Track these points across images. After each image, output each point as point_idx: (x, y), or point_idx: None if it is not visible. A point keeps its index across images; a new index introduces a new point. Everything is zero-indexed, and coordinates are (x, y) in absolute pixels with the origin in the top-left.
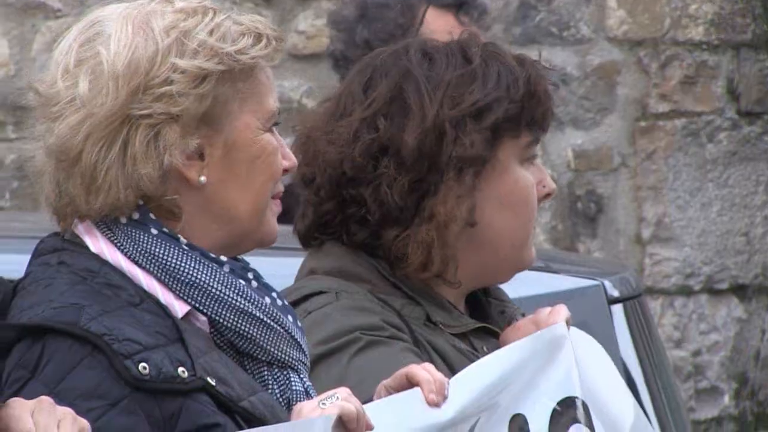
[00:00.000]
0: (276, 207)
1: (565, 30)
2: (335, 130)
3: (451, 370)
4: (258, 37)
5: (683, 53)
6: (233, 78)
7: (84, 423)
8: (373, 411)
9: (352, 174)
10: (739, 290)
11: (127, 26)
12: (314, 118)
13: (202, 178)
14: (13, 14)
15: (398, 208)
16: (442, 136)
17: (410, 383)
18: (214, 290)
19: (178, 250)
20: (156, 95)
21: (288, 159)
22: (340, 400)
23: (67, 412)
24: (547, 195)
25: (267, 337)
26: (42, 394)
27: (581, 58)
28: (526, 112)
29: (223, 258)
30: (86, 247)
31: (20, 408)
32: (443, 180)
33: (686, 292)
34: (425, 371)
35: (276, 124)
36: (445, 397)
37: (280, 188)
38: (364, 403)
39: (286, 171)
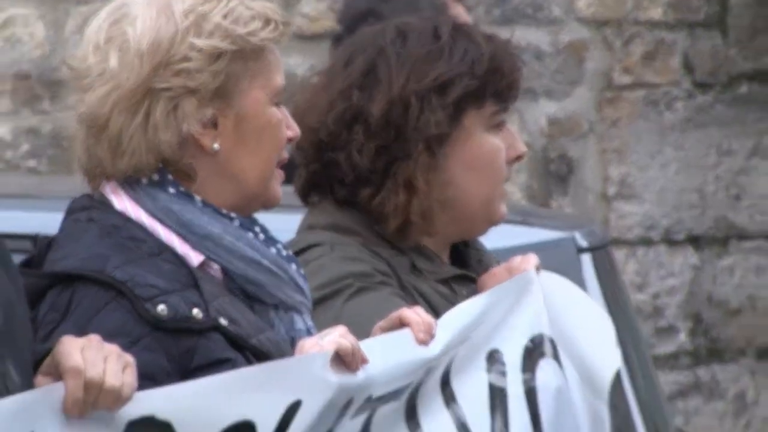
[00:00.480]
0: (280, 174)
1: (539, 11)
2: (317, 101)
3: (434, 312)
4: (267, 21)
5: (644, 32)
6: (244, 57)
7: (129, 358)
8: (367, 348)
9: (328, 140)
10: (694, 241)
11: (152, 9)
12: (306, 90)
13: (216, 146)
14: (48, 0)
15: (368, 170)
16: (407, 108)
17: (402, 324)
18: (225, 242)
19: (193, 207)
20: (175, 71)
21: (291, 129)
22: (338, 337)
23: (113, 348)
24: (518, 157)
25: (273, 282)
26: (72, 335)
27: (554, 36)
28: (490, 85)
29: (233, 215)
30: (112, 206)
31: (70, 345)
32: (411, 148)
33: (647, 242)
34: (416, 314)
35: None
36: (432, 337)
37: (285, 156)
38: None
39: (290, 140)
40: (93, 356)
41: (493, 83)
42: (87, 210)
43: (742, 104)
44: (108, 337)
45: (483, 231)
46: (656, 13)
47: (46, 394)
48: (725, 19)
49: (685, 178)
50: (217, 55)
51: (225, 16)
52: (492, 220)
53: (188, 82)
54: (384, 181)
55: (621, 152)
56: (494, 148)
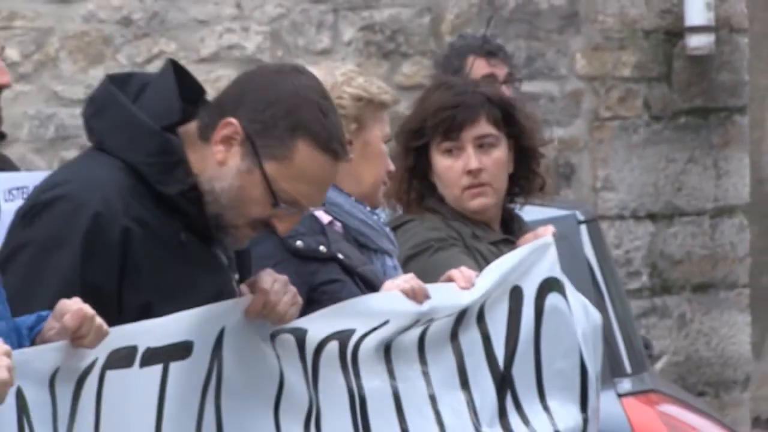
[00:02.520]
0: (383, 188)
1: (552, 71)
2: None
3: (487, 263)
4: (385, 92)
5: (618, 84)
6: (372, 107)
7: (300, 300)
8: (431, 289)
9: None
10: (651, 217)
11: (321, 71)
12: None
13: (350, 155)
14: (249, 66)
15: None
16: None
17: (451, 279)
18: (346, 208)
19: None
20: (335, 103)
21: (389, 164)
22: (402, 282)
23: (293, 289)
24: (470, 171)
25: (374, 235)
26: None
27: (561, 87)
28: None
29: (351, 196)
30: None
31: (267, 274)
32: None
33: (621, 218)
34: (459, 272)
35: (387, 142)
36: (472, 284)
37: (387, 179)
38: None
39: (389, 171)
40: (278, 287)
41: (432, 123)
42: None
43: (682, 131)
44: (262, 259)
45: (471, 216)
46: (626, 72)
47: (238, 302)
48: (670, 76)
49: (645, 177)
50: (358, 98)
51: (365, 81)
52: (469, 210)
53: (341, 110)
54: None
55: (604, 160)
56: (444, 167)
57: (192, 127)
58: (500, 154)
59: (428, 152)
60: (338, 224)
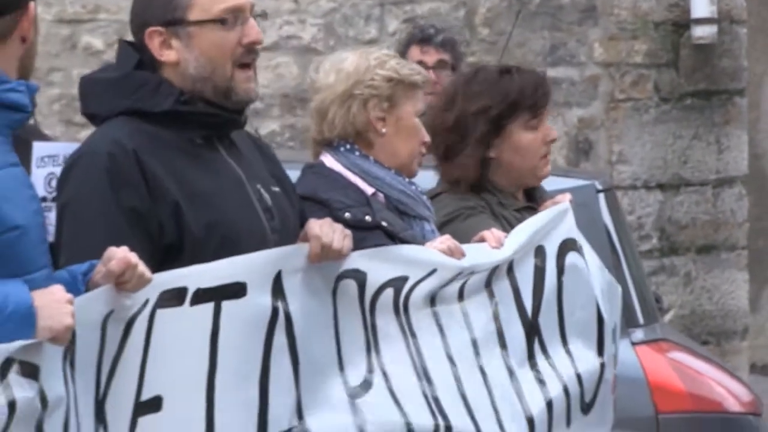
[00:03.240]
0: (419, 157)
1: (573, 58)
2: (437, 117)
3: (512, 227)
4: (418, 72)
5: (632, 69)
6: (404, 86)
7: (348, 232)
8: (466, 248)
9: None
10: (660, 186)
11: (356, 55)
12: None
13: (383, 130)
14: (305, 54)
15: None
16: (467, 122)
17: (482, 240)
18: (387, 181)
19: (369, 162)
20: (366, 85)
21: (425, 136)
22: (438, 243)
23: (339, 226)
24: (553, 140)
25: (413, 204)
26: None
27: (581, 72)
28: (520, 104)
29: (391, 168)
30: (324, 164)
31: (315, 223)
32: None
33: (634, 187)
34: (490, 233)
35: (421, 117)
36: (502, 244)
37: (423, 150)
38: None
39: (424, 143)
40: (327, 229)
41: (524, 102)
42: (311, 167)
43: (687, 111)
44: None
45: (534, 182)
46: (638, 59)
47: (297, 249)
48: (677, 62)
49: (654, 152)
50: (389, 79)
51: (397, 64)
52: (538, 177)
53: (373, 91)
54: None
55: (619, 137)
56: (528, 140)
57: (147, 59)
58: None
59: (501, 129)
60: (381, 195)
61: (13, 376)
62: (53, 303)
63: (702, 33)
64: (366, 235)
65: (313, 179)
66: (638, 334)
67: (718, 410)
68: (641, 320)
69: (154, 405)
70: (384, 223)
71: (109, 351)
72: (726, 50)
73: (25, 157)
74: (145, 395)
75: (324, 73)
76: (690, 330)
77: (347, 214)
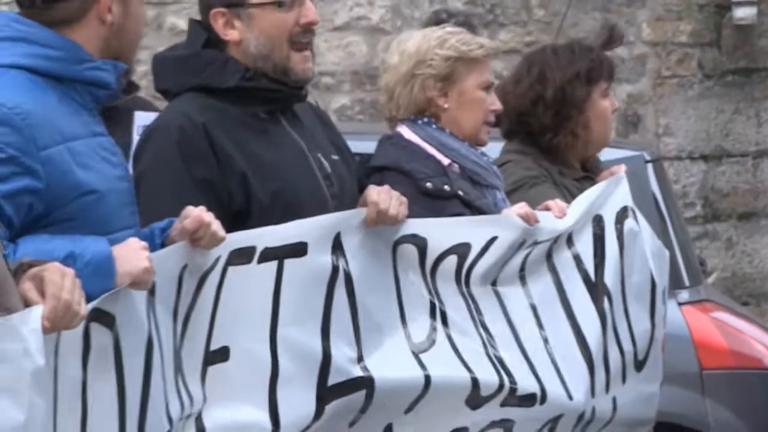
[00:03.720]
0: (486, 129)
1: (623, 38)
2: (512, 89)
3: (573, 196)
4: (480, 46)
5: (677, 48)
6: (466, 62)
7: (404, 199)
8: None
9: (522, 109)
10: (704, 158)
11: (418, 36)
12: (506, 83)
13: (446, 105)
14: (374, 34)
15: (548, 126)
16: (564, 91)
17: (547, 208)
18: (462, 152)
19: (444, 134)
20: (426, 65)
21: (495, 105)
22: (518, 208)
23: (396, 193)
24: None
25: (485, 173)
26: None
27: (630, 51)
28: (602, 72)
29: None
30: (403, 136)
31: (373, 189)
32: (571, 112)
33: (679, 158)
34: (554, 202)
35: (488, 87)
36: (564, 214)
37: (490, 119)
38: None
39: (494, 111)
40: (384, 196)
41: (602, 71)
42: (389, 138)
43: (729, 87)
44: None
45: (598, 151)
46: (683, 38)
47: (355, 213)
48: (720, 41)
49: (698, 125)
50: (447, 58)
51: (457, 41)
52: (607, 144)
53: (432, 71)
54: (558, 131)
55: (665, 111)
56: (606, 107)
57: (214, 37)
58: None
59: (585, 97)
60: (456, 166)
61: (94, 324)
62: (130, 251)
63: (743, 14)
64: (445, 204)
65: (394, 150)
66: (684, 295)
67: (758, 366)
68: (687, 282)
69: (222, 355)
70: (461, 192)
71: (183, 302)
72: (765, 30)
73: (129, 126)
74: (214, 345)
75: (390, 54)
76: (731, 291)
77: (429, 184)
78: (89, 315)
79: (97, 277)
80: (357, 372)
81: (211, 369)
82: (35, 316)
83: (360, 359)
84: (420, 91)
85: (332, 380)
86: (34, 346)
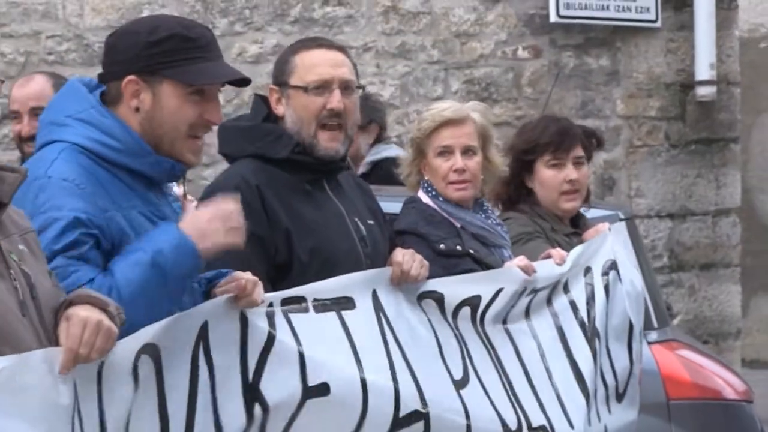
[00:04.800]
0: (451, 185)
1: (600, 113)
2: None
3: (562, 248)
4: (431, 120)
5: (647, 121)
6: (425, 137)
7: (425, 263)
8: (535, 265)
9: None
10: (670, 216)
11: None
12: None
13: (426, 177)
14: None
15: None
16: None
17: (548, 256)
18: (467, 219)
19: (450, 205)
20: (412, 146)
21: (455, 165)
22: (518, 261)
23: (411, 251)
24: (570, 181)
25: (491, 235)
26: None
27: (606, 123)
28: (545, 149)
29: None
30: (422, 200)
31: (395, 251)
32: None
33: (649, 216)
34: (556, 251)
35: (443, 152)
36: (564, 261)
37: (451, 178)
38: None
39: (455, 171)
40: (408, 258)
41: (544, 147)
42: (412, 202)
43: (692, 155)
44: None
45: (558, 213)
46: (653, 113)
47: (386, 271)
48: (684, 115)
49: (665, 188)
50: (413, 138)
51: (420, 120)
52: (560, 209)
53: (413, 151)
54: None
55: (637, 176)
56: (550, 176)
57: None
58: (587, 170)
59: (531, 166)
60: (467, 229)
61: (143, 357)
62: (202, 226)
63: (704, 92)
64: (458, 261)
65: (414, 214)
66: (653, 335)
67: (718, 397)
68: (655, 324)
69: (323, 390)
70: (472, 251)
71: (257, 339)
72: (723, 106)
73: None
74: (312, 381)
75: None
76: (694, 332)
77: (442, 246)
78: (139, 347)
79: (183, 256)
80: (419, 406)
81: (310, 402)
82: (56, 358)
83: (420, 393)
84: (410, 165)
85: (402, 412)
86: (52, 383)
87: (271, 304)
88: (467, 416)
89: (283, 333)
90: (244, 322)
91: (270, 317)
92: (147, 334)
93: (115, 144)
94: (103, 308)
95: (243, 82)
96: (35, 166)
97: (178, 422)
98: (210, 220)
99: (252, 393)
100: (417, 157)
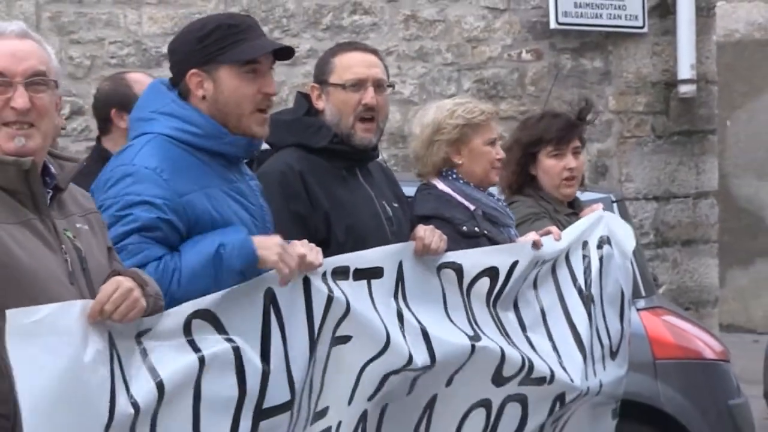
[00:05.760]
0: (493, 170)
1: (594, 108)
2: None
3: (564, 226)
4: (482, 112)
5: (635, 116)
6: (472, 125)
7: (444, 237)
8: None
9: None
10: (656, 198)
11: (433, 108)
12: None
13: (460, 161)
14: (405, 105)
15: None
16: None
17: (549, 233)
18: (483, 200)
19: (468, 186)
20: (441, 132)
21: (498, 154)
22: (530, 237)
23: (431, 227)
24: (570, 169)
25: (500, 215)
26: None
27: (600, 117)
28: (545, 140)
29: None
30: (437, 187)
31: (417, 227)
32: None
33: (637, 198)
34: (555, 229)
35: (492, 143)
36: (560, 237)
37: (496, 165)
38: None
39: (498, 159)
40: (429, 233)
41: (546, 139)
42: (425, 188)
43: (674, 145)
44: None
45: (559, 198)
46: (640, 108)
47: (410, 245)
48: (668, 110)
49: (651, 174)
50: (455, 126)
51: (463, 111)
52: (561, 194)
53: (445, 136)
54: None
55: (626, 163)
56: (551, 165)
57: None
58: (583, 159)
59: (535, 156)
60: (480, 210)
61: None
62: (265, 238)
63: (685, 90)
64: (477, 241)
65: (432, 200)
66: (641, 303)
67: (699, 357)
68: (643, 293)
69: (346, 339)
70: (486, 232)
71: (318, 302)
72: (702, 102)
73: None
74: (340, 332)
75: (413, 126)
76: (677, 300)
77: (464, 228)
78: (199, 315)
79: (243, 254)
80: (428, 361)
81: (335, 348)
82: (84, 308)
83: (431, 352)
84: (438, 152)
85: (413, 366)
86: (85, 330)
87: (324, 273)
88: (471, 352)
89: (338, 295)
90: (307, 285)
91: (326, 282)
92: (204, 302)
93: (196, 130)
94: (142, 285)
95: (287, 53)
96: (125, 154)
97: (255, 375)
98: (275, 241)
99: (312, 347)
100: (455, 143)
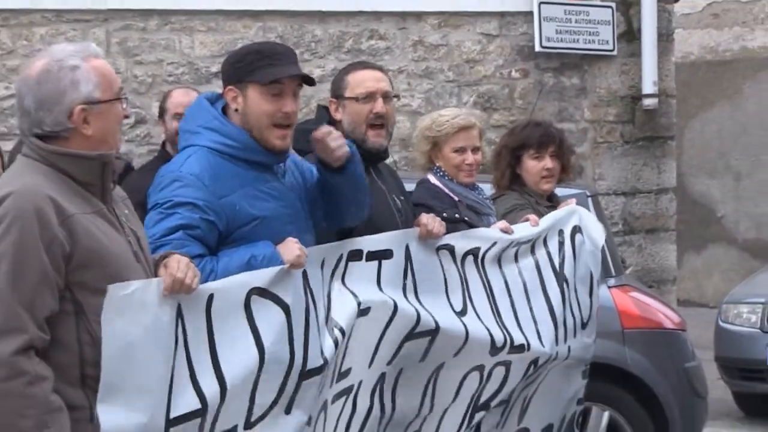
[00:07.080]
0: (462, 171)
1: (572, 118)
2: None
3: (542, 216)
4: (450, 126)
5: (607, 125)
6: (443, 135)
7: (444, 224)
8: (516, 227)
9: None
10: (624, 193)
11: (427, 120)
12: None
13: (438, 163)
14: (413, 115)
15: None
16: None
17: (527, 220)
18: (464, 194)
19: (453, 183)
20: (425, 138)
21: (467, 159)
22: (499, 225)
23: (432, 215)
24: (547, 168)
25: (480, 206)
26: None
27: (577, 126)
28: (527, 145)
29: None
30: (429, 181)
31: (423, 215)
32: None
33: (608, 194)
34: (532, 216)
35: (459, 150)
36: (538, 224)
37: (464, 168)
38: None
39: (468, 165)
40: (431, 220)
41: (528, 144)
42: (422, 183)
43: (639, 149)
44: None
45: (540, 192)
46: (611, 118)
47: (414, 230)
48: (634, 120)
49: (620, 173)
50: (427, 136)
51: (436, 124)
52: (541, 189)
53: (426, 143)
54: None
55: (599, 164)
56: (532, 165)
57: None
58: (559, 161)
59: (520, 158)
60: (462, 201)
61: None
62: (288, 247)
63: (648, 103)
64: (457, 225)
65: (423, 191)
66: (611, 281)
67: (660, 327)
68: (613, 272)
69: (365, 311)
70: (466, 218)
71: (323, 290)
72: (663, 113)
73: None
74: (363, 306)
75: (414, 133)
76: (641, 279)
77: (444, 214)
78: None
79: (270, 265)
80: (432, 324)
81: (357, 320)
82: (159, 285)
83: (431, 315)
84: (422, 156)
85: (421, 328)
86: (159, 303)
87: (341, 255)
88: (466, 334)
89: (339, 272)
90: (322, 265)
91: (338, 261)
92: (258, 278)
93: (234, 143)
94: None
95: (308, 81)
96: (175, 162)
97: (279, 343)
98: (293, 244)
99: (329, 321)
100: (432, 148)
